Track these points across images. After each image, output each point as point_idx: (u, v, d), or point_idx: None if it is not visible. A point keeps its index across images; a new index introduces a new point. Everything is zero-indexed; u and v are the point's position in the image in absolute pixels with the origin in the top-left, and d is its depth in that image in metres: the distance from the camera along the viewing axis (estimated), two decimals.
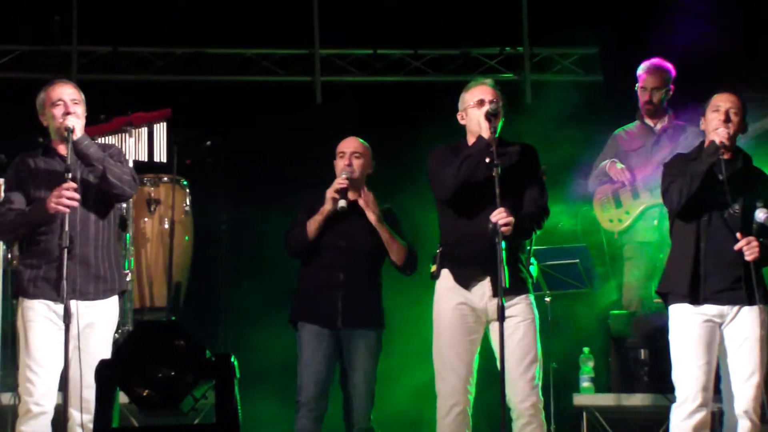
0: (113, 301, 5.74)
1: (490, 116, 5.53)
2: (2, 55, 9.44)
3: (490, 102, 5.63)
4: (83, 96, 5.79)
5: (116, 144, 8.03)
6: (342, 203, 6.21)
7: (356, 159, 6.39)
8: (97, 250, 5.65)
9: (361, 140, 6.52)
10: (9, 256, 7.52)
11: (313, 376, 6.15)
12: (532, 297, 5.71)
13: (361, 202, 6.28)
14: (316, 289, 6.31)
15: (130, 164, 6.62)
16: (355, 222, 6.32)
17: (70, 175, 5.41)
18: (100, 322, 5.63)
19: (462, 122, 5.81)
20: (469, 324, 5.63)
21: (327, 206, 6.24)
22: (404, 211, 8.04)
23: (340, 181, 6.25)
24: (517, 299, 5.57)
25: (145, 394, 4.56)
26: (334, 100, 9.62)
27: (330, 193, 6.24)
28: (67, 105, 5.66)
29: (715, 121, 5.71)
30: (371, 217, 6.28)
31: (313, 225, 6.27)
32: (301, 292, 6.41)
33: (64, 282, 5.30)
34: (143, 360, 4.59)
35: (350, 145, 6.47)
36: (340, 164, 6.41)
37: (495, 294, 5.44)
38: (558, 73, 9.85)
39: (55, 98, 5.68)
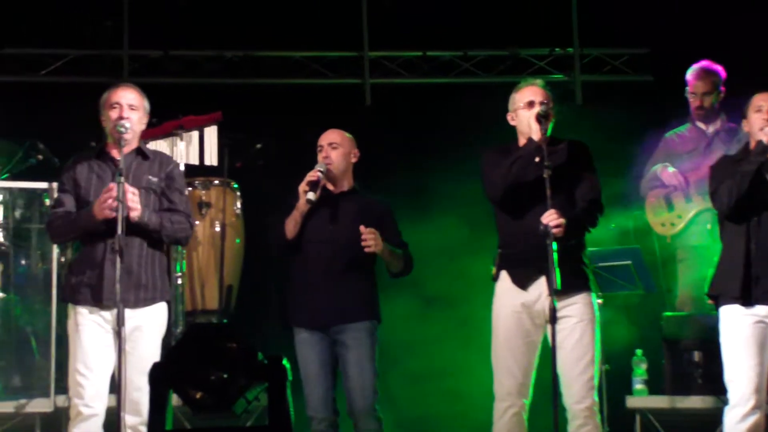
0: (159, 307, 5.75)
1: (541, 118, 5.51)
2: (54, 59, 9.51)
3: (541, 103, 5.61)
4: (146, 103, 5.80)
5: (167, 148, 8.08)
6: (310, 195, 5.99)
7: (333, 150, 6.20)
8: (140, 258, 5.66)
9: (343, 131, 6.34)
10: (62, 260, 7.58)
11: (315, 390, 6.02)
12: (593, 295, 5.64)
13: (365, 243, 5.98)
14: (301, 289, 6.14)
15: (182, 167, 6.61)
16: (338, 213, 6.17)
17: (122, 178, 5.41)
18: (147, 325, 5.65)
19: (512, 123, 5.79)
20: (526, 326, 5.60)
21: (300, 201, 6.05)
22: (457, 214, 8.06)
23: (311, 174, 6.06)
24: (575, 299, 5.53)
25: (198, 396, 4.57)
26: (384, 102, 9.62)
27: (301, 187, 6.06)
28: (122, 109, 5.67)
29: (759, 121, 5.66)
30: (378, 252, 6.05)
31: (290, 223, 6.09)
32: (290, 294, 6.26)
33: (117, 285, 5.31)
34: (196, 362, 4.59)
35: (327, 137, 6.28)
36: (319, 158, 6.23)
37: (550, 293, 5.40)
38: (608, 74, 9.78)
39: (113, 101, 5.71)
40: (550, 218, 5.34)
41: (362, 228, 5.97)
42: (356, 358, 6.01)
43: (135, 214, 5.44)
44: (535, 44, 9.74)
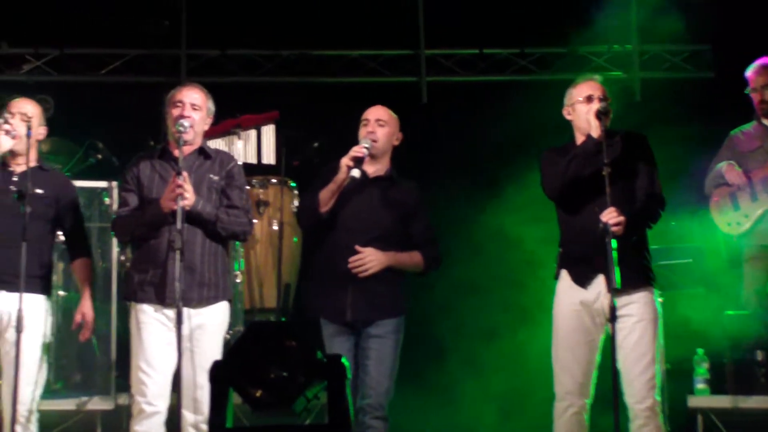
0: (221, 306, 5.77)
1: (601, 114, 5.46)
2: (113, 59, 9.59)
3: (599, 99, 5.58)
4: (210, 104, 5.83)
5: (225, 147, 8.12)
6: (355, 172, 5.76)
7: (380, 127, 6.00)
8: (203, 257, 5.69)
9: (390, 110, 6.13)
10: (122, 258, 7.64)
11: None
12: (655, 293, 5.59)
13: (356, 270, 5.82)
14: (326, 278, 5.94)
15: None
16: (372, 200, 5.96)
17: (182, 177, 5.44)
18: (209, 323, 5.67)
19: (568, 118, 5.76)
20: (586, 325, 5.57)
21: (341, 175, 5.79)
22: (514, 209, 8.01)
23: (356, 149, 5.83)
24: (636, 297, 5.49)
25: (258, 394, 4.57)
26: (440, 100, 9.60)
27: (344, 160, 5.81)
28: (185, 107, 5.70)
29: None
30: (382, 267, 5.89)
31: (325, 195, 5.83)
32: (313, 281, 6.12)
33: (176, 284, 5.33)
34: (256, 361, 4.60)
35: (374, 112, 6.06)
36: (362, 132, 6.01)
37: (610, 289, 5.36)
38: (668, 71, 9.69)
39: (177, 99, 5.75)
40: (610, 216, 5.29)
41: (357, 247, 5.82)
42: (379, 354, 5.86)
43: (187, 203, 5.45)
44: (594, 41, 9.67)
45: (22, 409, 5.67)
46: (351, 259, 5.80)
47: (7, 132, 5.81)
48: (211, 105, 5.84)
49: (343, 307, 5.85)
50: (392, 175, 6.09)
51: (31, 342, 5.73)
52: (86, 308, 6.07)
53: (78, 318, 6.06)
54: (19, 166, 5.95)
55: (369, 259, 5.82)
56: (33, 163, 6.00)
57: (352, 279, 5.84)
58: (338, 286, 5.87)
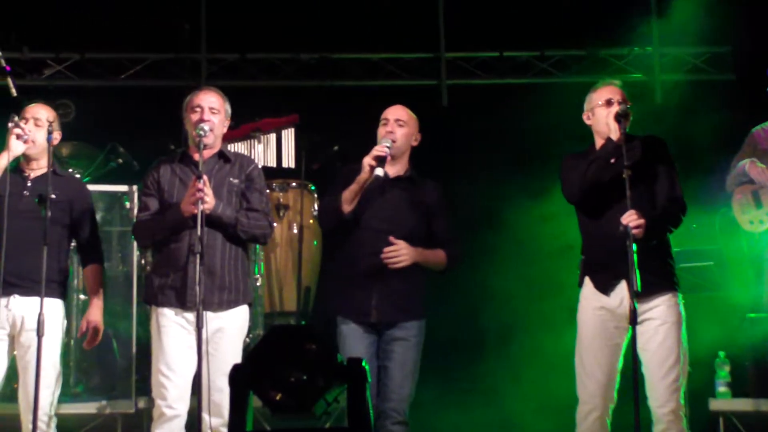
0: (241, 310, 5.76)
1: (620, 118, 5.45)
2: (134, 63, 9.63)
3: (619, 102, 5.56)
4: (228, 107, 5.83)
5: (245, 151, 8.14)
6: (379, 171, 5.71)
7: (399, 126, 5.96)
8: (224, 260, 5.68)
9: (409, 110, 6.09)
10: (143, 262, 7.65)
11: None
12: (679, 296, 5.57)
13: (389, 262, 5.80)
14: (351, 278, 5.86)
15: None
16: (395, 200, 5.93)
17: (202, 180, 5.45)
18: (229, 327, 5.66)
19: (588, 122, 5.74)
20: (610, 329, 5.55)
21: (363, 175, 5.75)
22: (534, 212, 7.99)
23: (379, 149, 5.78)
24: (658, 300, 5.46)
25: (278, 397, 4.57)
26: (460, 102, 9.59)
27: (367, 160, 5.76)
28: (203, 112, 5.71)
29: None
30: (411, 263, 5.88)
31: (348, 195, 5.79)
32: (335, 281, 6.05)
33: (196, 288, 5.34)
34: (276, 364, 4.59)
35: (395, 112, 6.02)
36: (381, 131, 5.97)
37: (632, 295, 5.36)
38: (689, 73, 9.66)
39: (195, 104, 5.75)
40: (630, 219, 5.27)
41: (391, 239, 5.81)
42: (402, 357, 5.83)
43: (207, 206, 5.45)
44: (614, 44, 9.65)
45: (41, 413, 5.67)
46: (386, 249, 5.78)
47: (19, 136, 5.82)
48: (228, 107, 5.85)
49: (368, 308, 5.82)
50: (412, 175, 6.06)
51: (48, 346, 5.72)
52: (94, 316, 6.05)
53: (84, 325, 6.05)
54: (33, 171, 5.97)
55: (402, 252, 5.81)
56: (47, 168, 6.01)
57: (377, 280, 5.81)
58: (362, 287, 5.84)
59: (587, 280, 5.64)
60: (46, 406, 5.75)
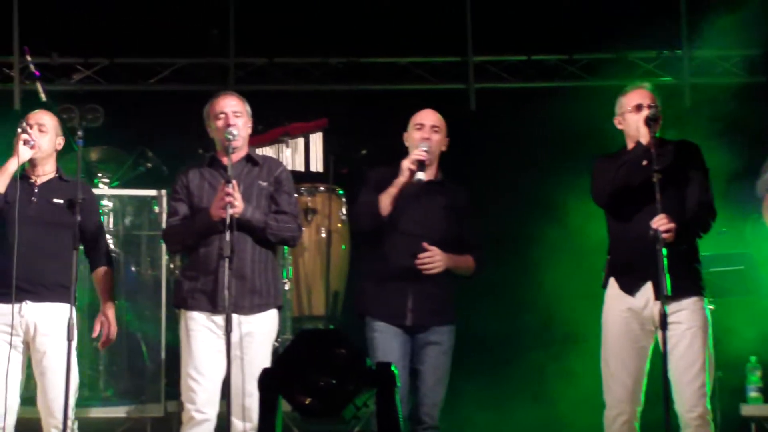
0: (271, 314, 5.76)
1: (650, 121, 5.44)
2: (162, 68, 9.64)
3: (649, 106, 5.55)
4: (248, 108, 5.84)
5: (273, 155, 8.15)
6: (420, 175, 5.73)
7: (435, 133, 5.98)
8: (253, 264, 5.68)
9: (439, 115, 6.09)
10: (171, 266, 7.67)
11: None
12: (705, 301, 5.54)
13: (424, 268, 5.80)
14: (385, 281, 5.86)
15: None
16: (428, 204, 5.93)
17: (231, 185, 5.45)
18: (259, 331, 5.66)
19: (619, 127, 5.73)
20: (635, 332, 5.53)
21: (402, 178, 5.77)
22: (563, 216, 7.96)
23: (418, 153, 5.79)
24: (685, 304, 5.44)
25: (307, 402, 4.57)
26: (488, 106, 9.57)
27: (407, 164, 5.78)
28: (228, 117, 5.73)
29: None
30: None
31: (387, 199, 5.78)
32: (368, 283, 5.99)
33: (225, 292, 5.34)
34: (305, 368, 4.60)
35: (429, 117, 6.03)
36: (416, 136, 5.96)
37: (657, 298, 5.36)
38: (719, 76, 9.60)
39: (218, 110, 5.76)
40: (660, 223, 5.26)
41: (425, 245, 5.81)
42: (435, 362, 5.84)
43: (236, 211, 5.46)
44: (643, 46, 9.60)
45: (61, 417, 5.71)
46: (420, 255, 5.77)
47: (26, 142, 5.85)
48: (248, 108, 5.87)
49: (403, 311, 5.81)
50: (443, 179, 6.07)
51: (58, 352, 5.76)
52: (109, 316, 6.05)
53: (98, 326, 6.05)
54: (38, 177, 5.99)
55: (436, 258, 5.81)
56: (53, 174, 6.04)
57: (412, 283, 5.81)
58: (398, 291, 5.83)
59: (612, 282, 5.63)
60: (64, 408, 5.78)
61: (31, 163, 5.95)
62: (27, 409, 5.85)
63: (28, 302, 5.79)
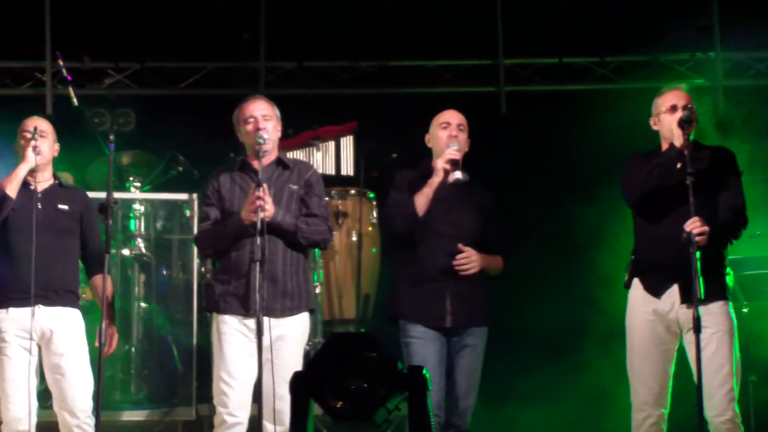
0: (303, 317, 5.75)
1: (684, 123, 5.39)
2: (193, 72, 9.68)
3: (684, 108, 5.50)
4: (277, 111, 5.84)
5: (304, 158, 8.15)
6: (458, 174, 5.68)
7: (461, 132, 5.91)
8: (285, 267, 5.67)
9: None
10: (203, 269, 7.69)
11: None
12: (730, 305, 5.50)
13: (461, 269, 5.73)
14: (422, 283, 5.77)
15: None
16: (458, 204, 5.85)
17: (262, 189, 5.46)
18: (290, 335, 5.65)
19: (655, 128, 5.69)
20: (661, 335, 5.50)
21: (436, 178, 5.71)
22: (593, 218, 7.94)
23: (451, 152, 5.72)
24: (711, 308, 5.39)
25: (338, 405, 4.57)
26: (519, 109, 9.55)
27: (441, 163, 5.72)
28: (257, 121, 5.73)
29: None
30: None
31: (422, 199, 5.71)
32: (403, 286, 5.88)
33: (257, 295, 5.33)
34: (337, 372, 4.59)
35: (455, 116, 5.94)
36: (442, 134, 5.89)
37: (683, 301, 5.36)
38: (752, 78, 9.54)
39: (247, 115, 5.76)
40: (694, 225, 5.22)
41: (461, 246, 5.75)
42: (469, 364, 5.77)
43: (267, 214, 5.47)
44: (675, 49, 9.55)
45: (83, 417, 5.78)
46: (458, 256, 5.72)
47: (35, 148, 5.87)
48: (277, 112, 5.86)
49: (442, 313, 5.75)
50: (468, 180, 5.96)
51: (75, 354, 5.83)
52: (109, 333, 6.04)
53: (99, 337, 6.02)
54: (39, 183, 5.99)
55: (473, 259, 5.77)
56: (51, 180, 6.06)
57: (450, 284, 5.75)
58: (435, 292, 5.76)
59: (636, 282, 5.60)
60: (87, 409, 5.83)
61: (33, 169, 5.96)
62: (41, 411, 5.88)
63: (41, 306, 5.83)
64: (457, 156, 5.75)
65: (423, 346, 5.73)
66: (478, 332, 5.83)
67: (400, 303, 5.88)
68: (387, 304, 6.03)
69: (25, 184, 5.93)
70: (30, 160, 5.87)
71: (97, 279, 6.09)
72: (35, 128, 5.91)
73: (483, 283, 5.90)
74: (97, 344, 5.71)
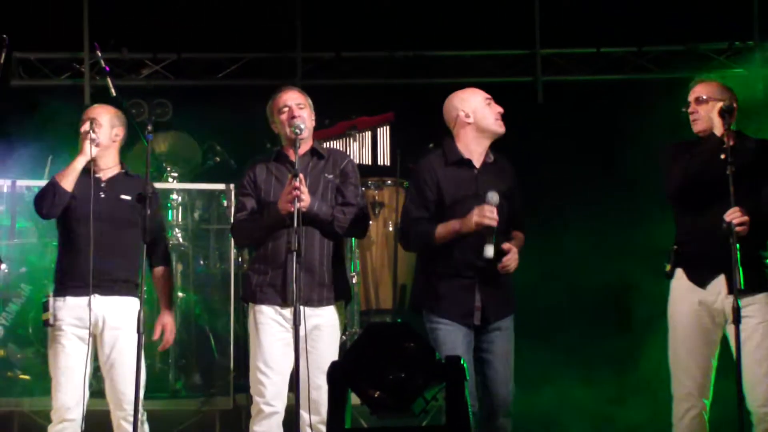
0: (339, 306, 5.77)
1: (724, 113, 5.36)
2: (231, 62, 9.71)
3: (723, 98, 5.48)
4: (310, 101, 5.85)
5: (340, 148, 8.16)
6: (488, 251, 5.41)
7: (496, 105, 5.86)
8: (321, 257, 5.68)
9: None
10: (240, 259, 7.71)
11: None
12: None
13: (507, 269, 5.55)
14: (450, 279, 5.59)
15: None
16: (482, 192, 5.54)
17: (298, 179, 5.45)
18: (326, 324, 5.66)
19: (692, 119, 5.65)
20: (705, 325, 5.47)
21: (467, 228, 5.47)
22: (631, 209, 7.89)
23: (490, 218, 5.40)
24: (757, 298, 5.36)
25: (376, 395, 4.56)
26: (556, 99, 9.51)
27: (476, 220, 5.41)
28: (292, 110, 5.73)
29: None
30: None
31: (446, 234, 5.52)
32: (429, 280, 5.68)
33: (293, 285, 5.34)
34: (374, 362, 4.59)
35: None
36: (486, 108, 5.81)
37: (730, 292, 5.29)
38: None
39: (281, 105, 5.77)
40: (734, 216, 5.19)
41: (505, 247, 5.53)
42: (504, 351, 5.64)
43: (304, 204, 5.47)
44: (714, 38, 9.48)
45: (130, 409, 5.74)
46: (505, 259, 5.52)
47: (93, 140, 5.89)
48: (310, 101, 5.87)
49: (471, 310, 5.60)
50: (495, 158, 5.78)
51: (126, 344, 5.80)
52: (167, 319, 6.05)
53: (158, 329, 6.06)
54: (103, 173, 6.00)
55: (515, 258, 5.58)
56: (117, 168, 6.06)
57: (479, 280, 5.59)
58: (464, 289, 5.61)
59: (680, 273, 5.56)
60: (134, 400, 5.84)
61: (94, 159, 5.97)
62: (94, 401, 5.91)
63: (97, 296, 5.84)
64: (494, 224, 5.42)
65: (450, 332, 5.60)
66: (508, 320, 5.71)
67: (426, 296, 5.71)
68: (412, 297, 5.90)
69: (88, 172, 5.95)
70: (86, 152, 5.90)
71: (156, 272, 6.13)
72: (91, 120, 5.94)
73: (510, 274, 5.70)
74: (155, 337, 5.79)
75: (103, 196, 5.92)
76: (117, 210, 5.93)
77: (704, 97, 5.55)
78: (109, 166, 6.03)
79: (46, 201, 5.87)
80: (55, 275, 6.00)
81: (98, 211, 5.85)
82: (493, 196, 5.43)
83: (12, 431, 7.35)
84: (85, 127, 5.90)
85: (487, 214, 5.40)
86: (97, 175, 5.96)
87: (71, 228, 5.91)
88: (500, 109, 5.83)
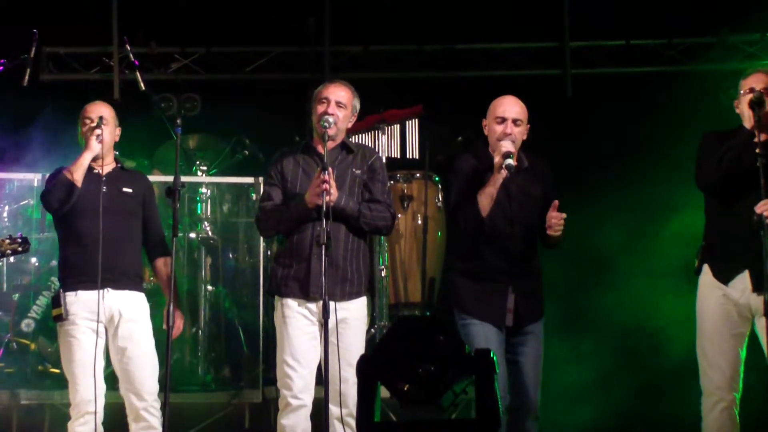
0: (362, 301, 5.76)
1: (754, 105, 5.34)
2: (259, 56, 9.70)
3: (753, 89, 5.44)
4: (356, 102, 5.80)
5: (369, 142, 8.16)
6: (510, 161, 5.49)
7: (516, 127, 5.71)
8: (346, 252, 5.69)
9: (521, 102, 5.83)
10: (269, 253, 7.72)
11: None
12: None
13: (555, 231, 5.55)
14: (482, 281, 5.68)
15: (383, 160, 6.46)
16: (517, 197, 5.71)
17: (326, 173, 5.43)
18: (353, 317, 5.67)
19: (737, 111, 5.64)
20: (733, 319, 5.47)
21: (498, 176, 5.53)
22: (663, 204, 7.85)
23: (506, 145, 5.57)
24: None
25: (406, 389, 4.56)
26: (585, 92, 9.45)
27: (498, 161, 5.54)
28: (329, 105, 5.71)
29: None
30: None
31: (486, 200, 5.57)
32: (461, 279, 5.76)
33: (322, 278, 5.33)
34: (404, 355, 4.59)
35: (512, 110, 5.74)
36: (497, 129, 5.70)
37: (755, 288, 5.31)
38: None
39: (323, 96, 5.75)
40: (765, 208, 5.16)
41: (551, 215, 5.55)
42: (534, 352, 5.69)
43: (332, 198, 5.46)
44: (745, 29, 9.39)
45: (151, 400, 5.85)
46: (553, 219, 5.51)
47: (98, 136, 5.92)
48: (356, 103, 5.83)
49: (503, 312, 5.65)
50: (529, 164, 5.83)
51: (142, 337, 5.91)
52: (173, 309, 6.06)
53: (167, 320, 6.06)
54: (102, 168, 6.03)
55: (563, 223, 5.56)
56: (113, 164, 6.15)
57: (511, 284, 5.65)
58: (496, 291, 5.65)
59: (706, 268, 5.56)
60: (154, 392, 5.92)
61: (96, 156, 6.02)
62: (108, 393, 5.95)
63: (110, 290, 5.88)
64: (511, 148, 5.56)
65: (482, 329, 5.64)
66: (539, 323, 5.76)
67: (458, 296, 5.77)
68: (443, 296, 5.92)
69: (89, 168, 5.99)
70: (94, 148, 5.94)
71: (159, 262, 6.16)
72: (100, 117, 5.97)
73: (540, 278, 5.80)
74: (165, 327, 5.76)
75: (105, 189, 5.96)
76: (120, 203, 6.02)
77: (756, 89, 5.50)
78: (108, 162, 6.10)
79: (57, 195, 5.92)
80: (60, 271, 6.05)
81: (104, 205, 5.90)
82: (505, 141, 5.61)
83: (43, 423, 7.40)
84: (91, 123, 5.96)
85: (503, 144, 5.56)
86: (96, 171, 6.01)
87: (74, 223, 5.98)
88: (507, 131, 5.71)
